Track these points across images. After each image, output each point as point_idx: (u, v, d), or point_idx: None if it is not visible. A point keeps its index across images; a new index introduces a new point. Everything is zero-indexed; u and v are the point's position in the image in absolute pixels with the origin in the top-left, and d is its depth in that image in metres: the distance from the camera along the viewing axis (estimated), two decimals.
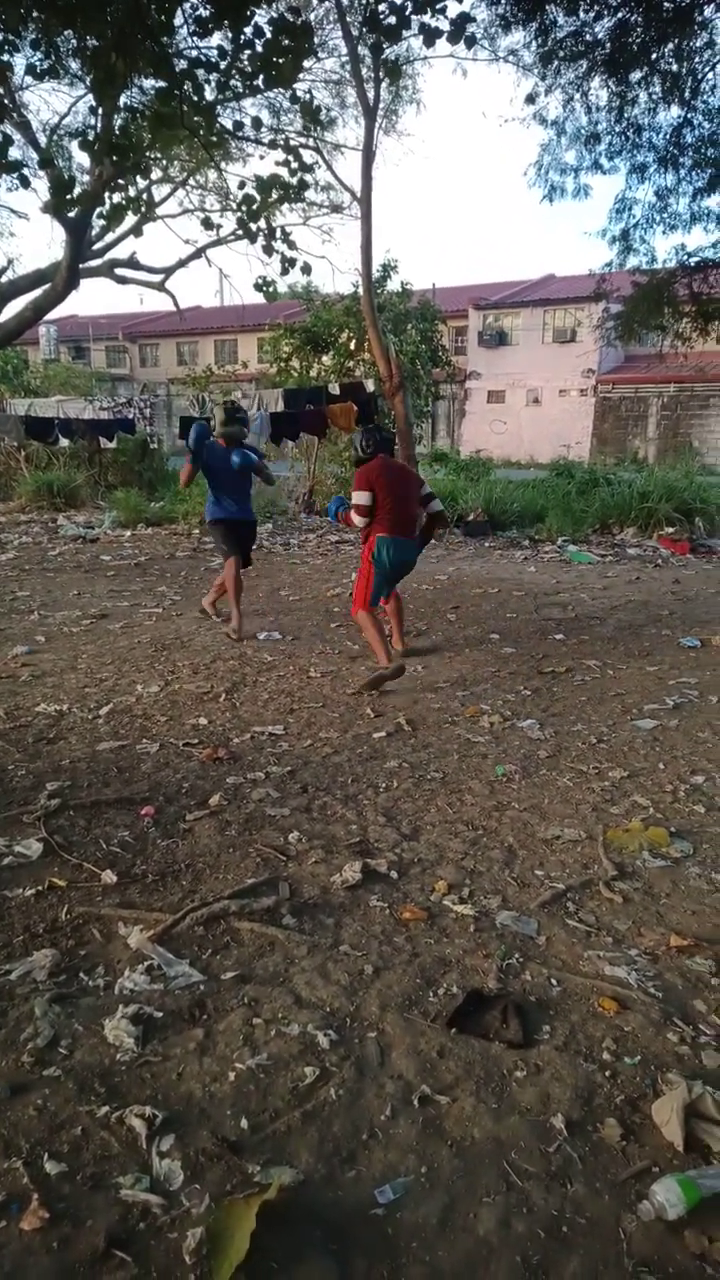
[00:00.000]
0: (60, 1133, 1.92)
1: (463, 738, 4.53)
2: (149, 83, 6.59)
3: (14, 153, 6.46)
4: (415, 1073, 2.13)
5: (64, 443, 14.39)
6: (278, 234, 7.20)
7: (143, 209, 13.70)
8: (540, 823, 3.56)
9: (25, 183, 6.03)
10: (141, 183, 12.25)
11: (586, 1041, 2.26)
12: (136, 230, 16.42)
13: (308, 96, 9.39)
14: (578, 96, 9.41)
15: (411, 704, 5.06)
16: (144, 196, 13.47)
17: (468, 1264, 1.65)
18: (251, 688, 5.31)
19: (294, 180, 6.78)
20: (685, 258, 10.28)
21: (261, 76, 6.17)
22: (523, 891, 3.02)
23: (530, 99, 9.61)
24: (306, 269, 7.05)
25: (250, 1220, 1.64)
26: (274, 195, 6.86)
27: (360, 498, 5.60)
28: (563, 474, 14.83)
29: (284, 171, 6.69)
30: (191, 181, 15.98)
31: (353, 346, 15.44)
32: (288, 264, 7.21)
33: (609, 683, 5.55)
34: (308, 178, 6.98)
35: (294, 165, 6.81)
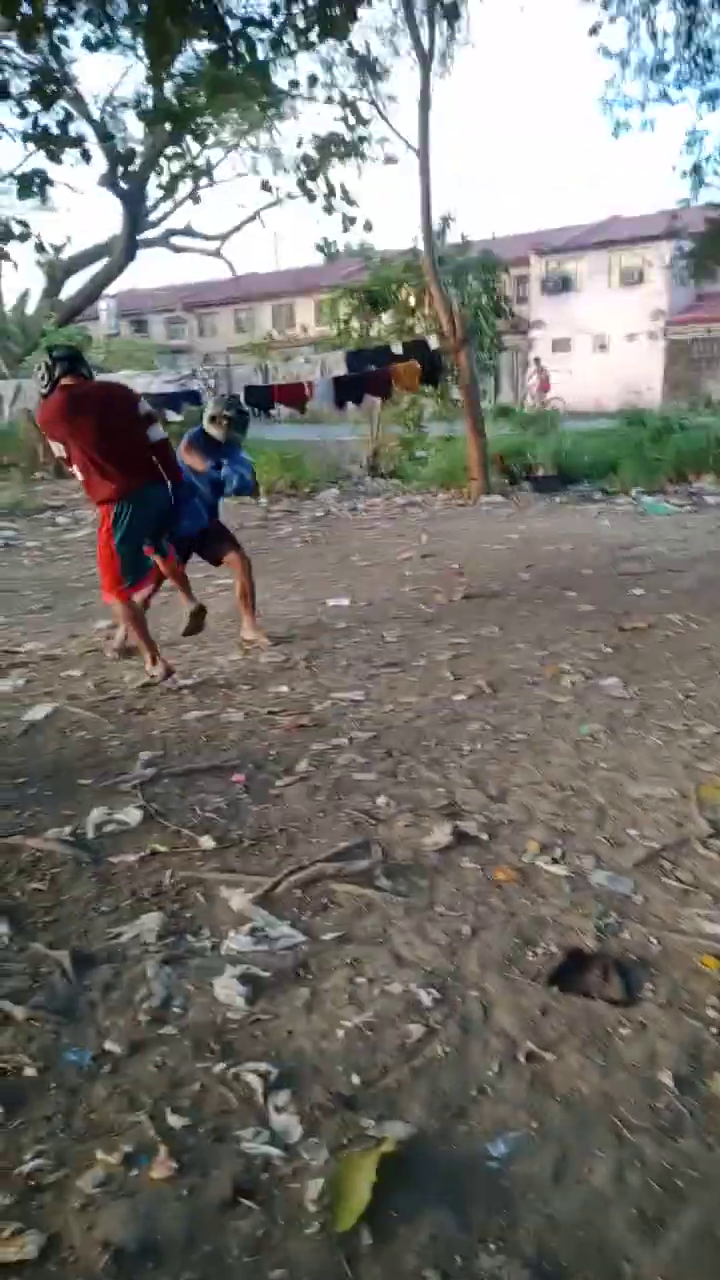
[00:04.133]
0: (180, 1088, 2.00)
1: (544, 698, 4.49)
2: (202, 46, 6.56)
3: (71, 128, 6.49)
4: (519, 1030, 2.15)
5: None
6: (337, 191, 7.08)
7: (200, 176, 13.66)
8: (630, 781, 3.52)
9: (88, 157, 6.06)
10: (197, 148, 12.19)
11: (690, 999, 2.26)
12: (194, 197, 16.37)
13: (364, 48, 9.17)
14: (643, 23, 9.03)
15: (489, 665, 5.04)
16: (200, 163, 13.41)
17: (584, 1214, 1.67)
18: (329, 654, 5.36)
19: (352, 136, 6.65)
20: None
21: (316, 29, 6.04)
22: (616, 851, 3.01)
23: (593, 30, 9.25)
24: (368, 225, 6.93)
25: (371, 1172, 1.69)
26: (332, 153, 6.76)
27: (59, 450, 4.53)
28: (634, 422, 14.43)
29: (342, 127, 6.57)
30: (244, 144, 15.84)
31: (412, 303, 15.18)
32: (348, 221, 7.09)
33: (693, 637, 5.44)
34: (365, 132, 6.86)
35: (351, 121, 6.67)
